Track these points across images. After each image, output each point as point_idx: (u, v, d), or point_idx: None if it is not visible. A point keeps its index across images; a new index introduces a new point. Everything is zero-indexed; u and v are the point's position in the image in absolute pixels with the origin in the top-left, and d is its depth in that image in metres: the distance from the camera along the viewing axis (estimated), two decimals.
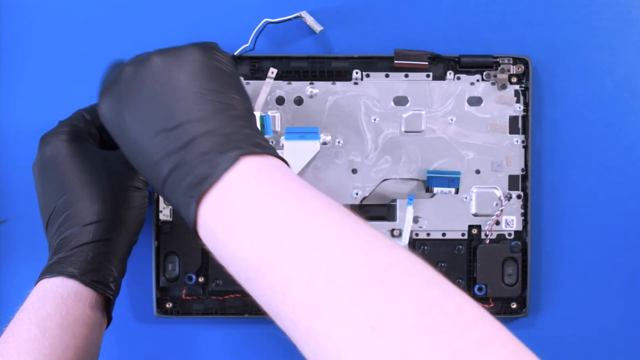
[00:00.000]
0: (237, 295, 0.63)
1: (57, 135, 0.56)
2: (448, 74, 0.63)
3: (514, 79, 0.63)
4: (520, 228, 0.63)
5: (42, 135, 0.57)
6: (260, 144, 0.46)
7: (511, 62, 0.63)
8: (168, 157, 0.45)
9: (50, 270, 0.53)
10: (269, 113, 0.62)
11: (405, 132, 0.63)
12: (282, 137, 0.62)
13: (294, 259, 0.40)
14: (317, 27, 0.62)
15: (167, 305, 0.63)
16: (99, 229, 0.54)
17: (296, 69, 0.63)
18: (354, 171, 0.63)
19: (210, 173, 0.44)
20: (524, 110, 0.63)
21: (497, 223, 0.63)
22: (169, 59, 0.47)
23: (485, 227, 0.63)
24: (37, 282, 0.53)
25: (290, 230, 0.41)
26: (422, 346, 0.35)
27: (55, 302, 0.51)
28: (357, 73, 0.63)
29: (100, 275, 0.53)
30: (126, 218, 0.56)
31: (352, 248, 0.39)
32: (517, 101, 0.63)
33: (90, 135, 0.58)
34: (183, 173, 0.45)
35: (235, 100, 0.47)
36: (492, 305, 0.63)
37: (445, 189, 0.62)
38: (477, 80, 0.63)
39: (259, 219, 0.42)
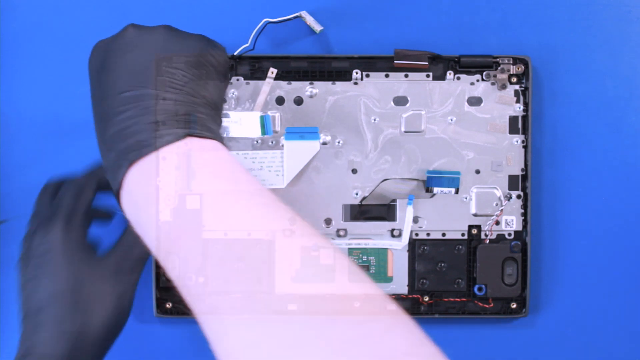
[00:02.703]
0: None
1: (53, 224, 0.55)
2: (448, 74, 0.63)
3: (514, 79, 0.63)
4: (520, 228, 0.63)
5: (33, 213, 0.57)
6: (211, 128, 0.48)
7: (511, 62, 0.63)
8: (122, 116, 0.47)
9: None
10: (269, 113, 0.62)
11: (405, 132, 0.63)
12: (282, 137, 0.62)
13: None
14: (317, 27, 0.62)
15: (167, 305, 0.63)
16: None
17: (296, 69, 0.63)
18: (354, 171, 0.63)
19: (152, 142, 0.45)
20: (523, 110, 0.63)
21: (497, 223, 0.63)
22: (171, 37, 0.49)
23: (485, 227, 0.63)
24: None
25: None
26: None
27: None
28: (357, 73, 0.62)
29: None
30: (98, 334, 0.55)
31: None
32: (517, 101, 0.63)
33: (85, 216, 0.57)
34: (125, 135, 0.46)
35: (208, 92, 0.49)
36: (492, 305, 0.63)
37: (445, 189, 0.62)
38: (477, 80, 0.63)
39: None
